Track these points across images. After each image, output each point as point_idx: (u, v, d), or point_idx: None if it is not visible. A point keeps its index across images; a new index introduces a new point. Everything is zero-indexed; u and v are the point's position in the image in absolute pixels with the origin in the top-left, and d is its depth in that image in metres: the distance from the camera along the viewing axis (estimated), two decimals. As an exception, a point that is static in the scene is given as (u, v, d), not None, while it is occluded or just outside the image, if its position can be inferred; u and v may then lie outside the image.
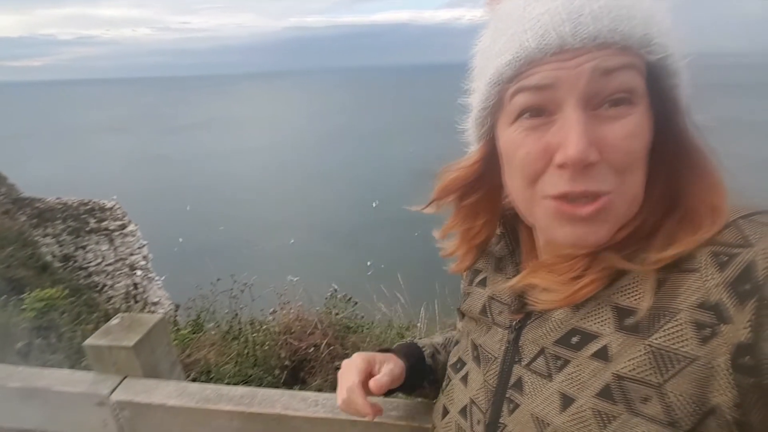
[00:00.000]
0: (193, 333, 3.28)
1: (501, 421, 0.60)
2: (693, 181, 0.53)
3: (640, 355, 0.48)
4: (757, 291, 0.43)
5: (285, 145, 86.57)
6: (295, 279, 3.87)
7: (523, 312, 0.64)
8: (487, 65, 0.56)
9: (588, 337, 0.54)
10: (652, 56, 0.50)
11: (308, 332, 3.02)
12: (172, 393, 1.11)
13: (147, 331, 1.19)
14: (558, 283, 0.57)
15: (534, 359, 0.59)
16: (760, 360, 0.42)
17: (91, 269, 12.37)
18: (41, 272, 7.62)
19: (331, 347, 2.96)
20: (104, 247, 12.94)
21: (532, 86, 0.51)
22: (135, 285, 12.68)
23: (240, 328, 3.27)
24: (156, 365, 1.22)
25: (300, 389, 2.73)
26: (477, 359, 0.69)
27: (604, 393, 0.50)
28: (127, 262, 13.11)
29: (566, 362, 0.55)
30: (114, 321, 1.24)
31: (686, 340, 0.46)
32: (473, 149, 0.66)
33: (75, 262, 12.22)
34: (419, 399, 0.98)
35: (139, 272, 13.12)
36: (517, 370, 0.61)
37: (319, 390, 2.75)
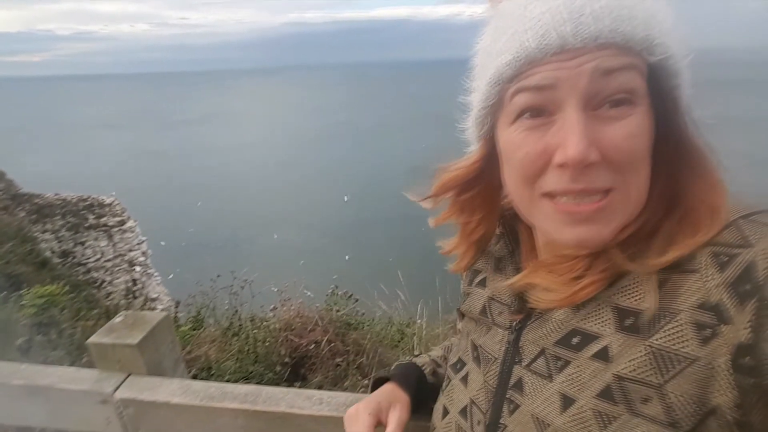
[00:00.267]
0: (194, 330, 3.28)
1: (501, 421, 0.60)
2: (693, 181, 0.53)
3: (641, 356, 0.48)
4: (757, 291, 0.43)
5: (284, 141, 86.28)
6: (295, 278, 3.88)
7: (523, 312, 0.64)
8: (487, 64, 0.56)
9: (588, 338, 0.54)
10: (653, 57, 0.49)
11: (309, 329, 3.03)
12: (176, 391, 1.11)
13: (151, 329, 1.19)
14: (558, 283, 0.57)
15: (534, 360, 0.59)
16: (760, 360, 0.42)
17: (90, 265, 12.37)
18: (40, 268, 7.61)
19: (332, 344, 2.96)
20: (103, 243, 12.93)
21: (532, 86, 0.51)
22: (134, 281, 12.68)
23: (240, 325, 3.27)
24: (160, 363, 1.22)
25: (301, 386, 2.74)
26: (477, 360, 0.69)
27: (605, 393, 0.50)
28: (126, 258, 13.10)
29: (567, 363, 0.55)
30: (117, 319, 1.23)
31: (687, 340, 0.46)
32: (473, 148, 0.66)
33: (74, 258, 12.22)
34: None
35: (138, 268, 13.11)
36: (518, 371, 0.61)
37: (320, 386, 2.76)
